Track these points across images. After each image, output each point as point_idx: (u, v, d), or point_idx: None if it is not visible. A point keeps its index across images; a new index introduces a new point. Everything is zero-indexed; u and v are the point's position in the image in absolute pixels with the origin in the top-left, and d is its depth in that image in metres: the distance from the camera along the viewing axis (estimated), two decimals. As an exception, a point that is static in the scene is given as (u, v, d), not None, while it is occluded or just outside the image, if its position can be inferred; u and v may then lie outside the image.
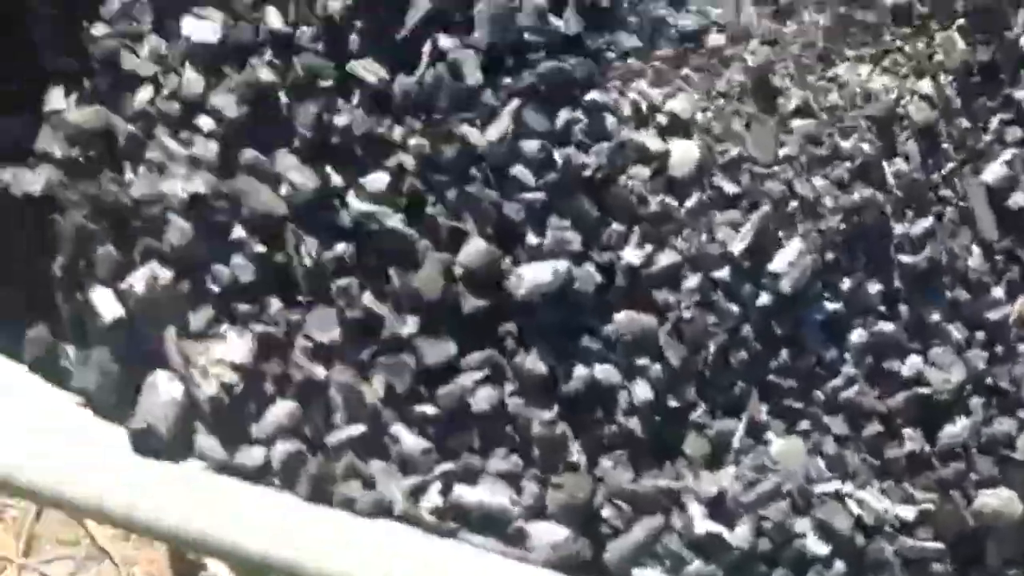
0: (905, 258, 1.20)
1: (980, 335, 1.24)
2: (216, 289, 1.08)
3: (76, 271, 1.09)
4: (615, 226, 1.14)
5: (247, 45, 1.12)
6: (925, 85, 1.22)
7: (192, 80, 1.11)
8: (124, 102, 1.13)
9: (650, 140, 1.15)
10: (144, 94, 1.13)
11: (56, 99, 1.14)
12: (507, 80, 1.13)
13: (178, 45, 1.13)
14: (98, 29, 1.14)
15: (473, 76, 1.11)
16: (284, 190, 1.09)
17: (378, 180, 1.10)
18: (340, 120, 1.11)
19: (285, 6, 1.13)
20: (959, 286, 1.22)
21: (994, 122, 1.25)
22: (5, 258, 1.12)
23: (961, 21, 1.25)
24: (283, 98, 1.11)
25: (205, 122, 1.11)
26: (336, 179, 1.11)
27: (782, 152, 1.18)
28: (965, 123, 1.24)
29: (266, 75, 1.10)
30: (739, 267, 1.15)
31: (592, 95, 1.14)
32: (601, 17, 1.17)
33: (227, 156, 1.10)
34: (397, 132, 1.11)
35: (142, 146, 1.11)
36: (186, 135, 1.11)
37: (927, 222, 1.21)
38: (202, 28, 1.12)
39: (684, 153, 1.15)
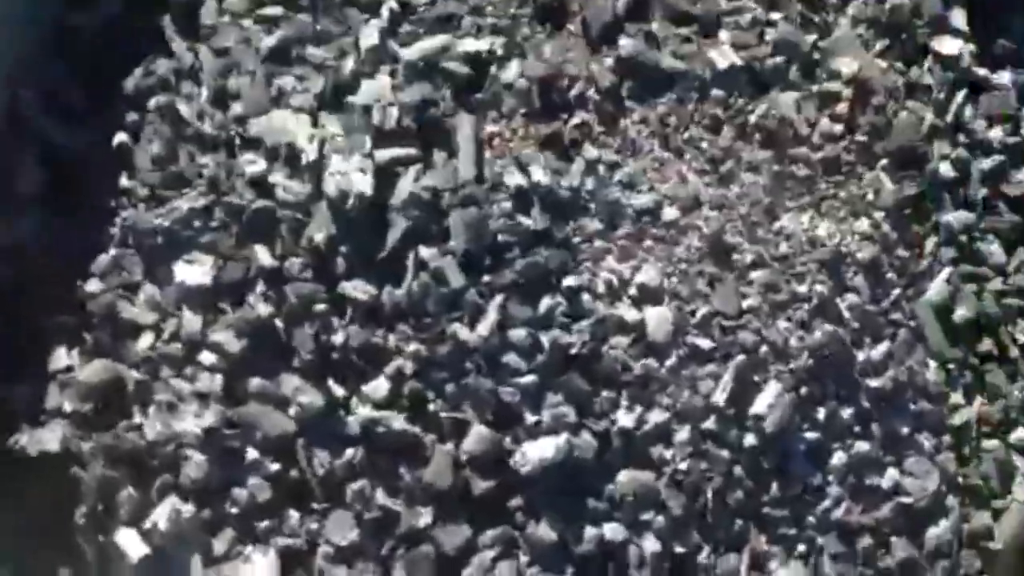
0: (871, 381, 1.32)
1: (947, 439, 1.36)
2: (235, 511, 1.18)
3: (99, 516, 1.19)
4: (605, 394, 1.25)
5: (239, 282, 1.24)
6: (863, 224, 1.36)
7: (190, 321, 1.22)
8: (127, 350, 1.24)
9: (626, 312, 1.27)
10: (145, 340, 1.24)
11: (60, 358, 1.24)
12: (488, 278, 1.25)
13: (172, 291, 1.24)
14: (92, 285, 1.26)
15: (456, 280, 1.24)
16: (292, 411, 1.20)
17: (379, 387, 1.21)
18: (337, 338, 1.22)
19: (272, 242, 1.25)
20: (922, 399, 1.34)
21: (929, 245, 1.39)
22: (28, 512, 1.21)
23: (884, 162, 1.39)
24: (280, 324, 1.23)
25: (208, 358, 1.22)
26: (339, 391, 1.22)
27: (746, 304, 1.31)
28: (903, 252, 1.37)
29: (262, 308, 1.22)
30: (724, 415, 1.26)
31: (568, 280, 1.27)
32: (564, 208, 1.31)
33: (233, 387, 1.21)
34: (392, 340, 1.23)
35: (150, 390, 1.22)
36: (191, 371, 1.22)
37: (884, 346, 1.33)
38: (194, 272, 1.24)
39: (658, 319, 1.28)
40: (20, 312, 1.27)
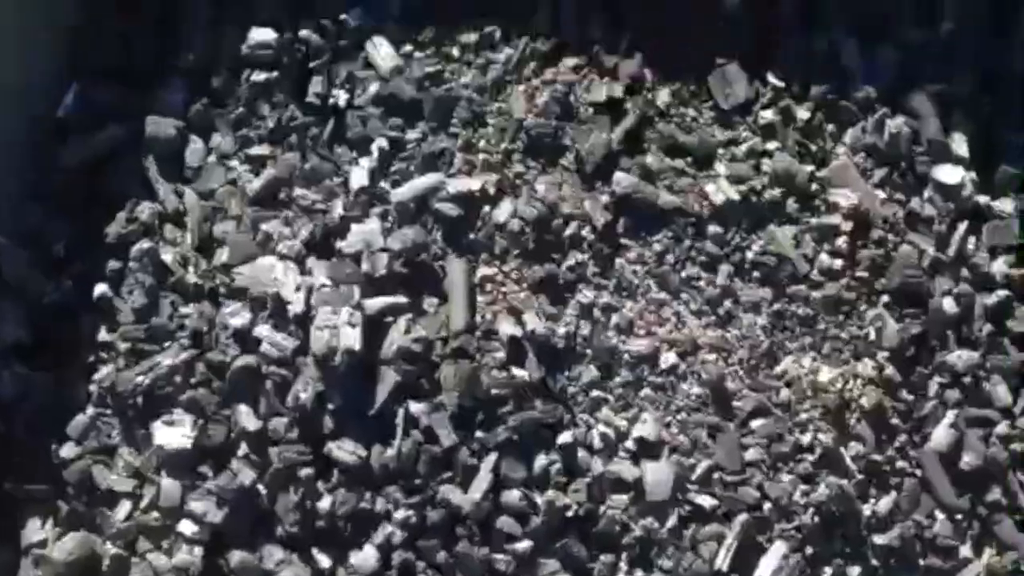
0: (877, 538, 1.28)
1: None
2: None
3: None
4: (603, 558, 1.21)
5: (221, 446, 1.20)
6: (866, 367, 1.32)
7: (169, 488, 1.18)
8: (104, 520, 1.19)
9: (624, 468, 1.23)
10: (123, 510, 1.19)
11: (34, 530, 1.20)
12: (480, 434, 1.22)
13: (151, 454, 1.20)
14: (67, 450, 1.21)
15: (448, 438, 1.20)
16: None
17: (367, 558, 1.17)
18: (323, 504, 1.18)
19: (255, 401, 1.21)
20: (931, 553, 1.29)
21: (933, 387, 1.35)
22: None
23: (886, 299, 1.36)
24: (263, 490, 1.19)
25: (188, 527, 1.17)
26: (325, 562, 1.17)
27: (747, 456, 1.27)
28: (907, 395, 1.34)
29: (245, 474, 1.18)
30: (726, 581, 1.22)
31: (563, 436, 1.23)
32: (559, 357, 1.27)
33: (213, 562, 1.17)
34: (380, 504, 1.19)
35: (127, 565, 1.17)
36: (169, 544, 1.18)
37: (890, 498, 1.29)
38: (174, 435, 1.19)
39: (657, 475, 1.23)
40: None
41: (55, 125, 1.40)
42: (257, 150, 1.38)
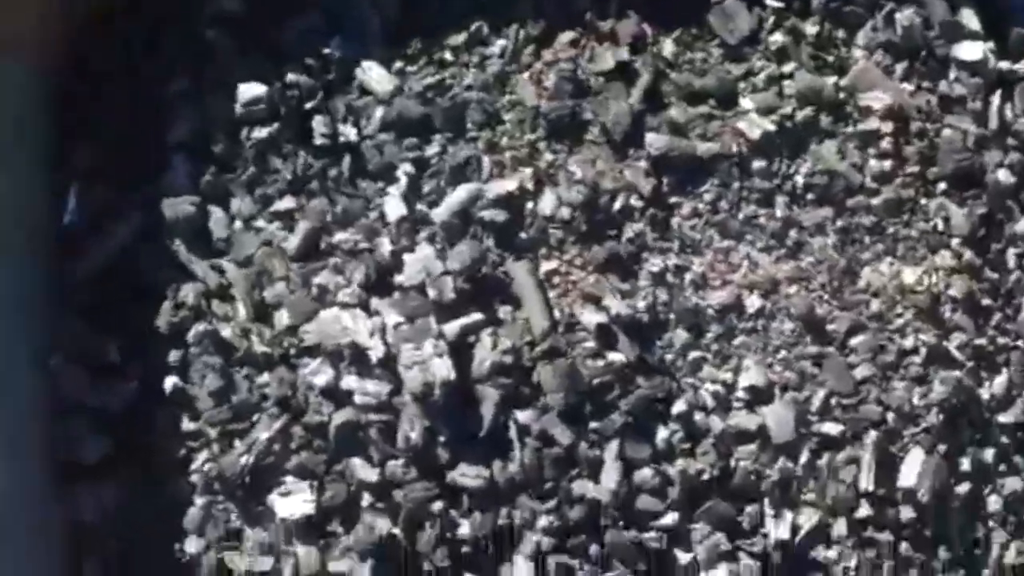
0: (1002, 417, 1.29)
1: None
2: None
3: None
4: (749, 510, 1.21)
5: (344, 503, 1.18)
6: (945, 258, 1.33)
7: (307, 557, 1.17)
8: None
9: (743, 419, 1.24)
10: None
11: None
12: (595, 425, 1.20)
13: (277, 528, 1.19)
14: (192, 544, 1.20)
15: (565, 437, 1.19)
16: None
17: (521, 570, 1.17)
18: (462, 531, 1.18)
19: (366, 452, 1.19)
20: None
21: (1011, 259, 1.36)
22: None
23: (943, 186, 1.36)
24: (399, 533, 1.17)
25: None
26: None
27: (858, 375, 1.27)
28: (990, 273, 1.35)
29: (379, 523, 1.16)
30: (875, 499, 1.22)
31: (676, 405, 1.23)
32: (647, 331, 1.27)
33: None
34: (518, 517, 1.18)
35: None
36: None
37: (1003, 377, 1.31)
38: (294, 504, 1.19)
39: (778, 417, 1.24)
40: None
41: (61, 234, 1.36)
42: (281, 204, 1.36)
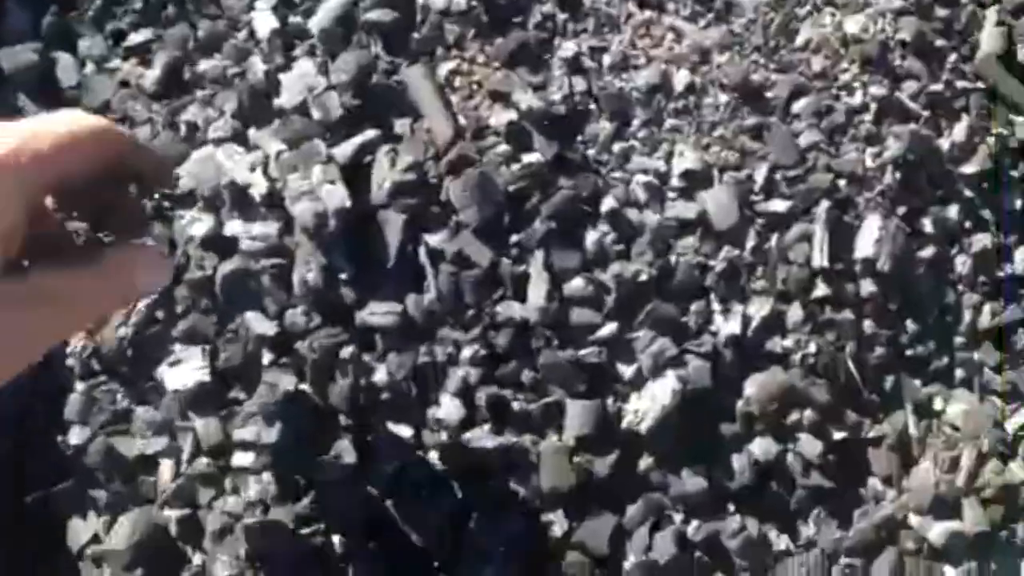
0: (965, 168, 1.18)
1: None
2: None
3: None
4: (694, 308, 1.11)
5: (242, 364, 1.06)
6: (889, -1, 1.18)
7: (207, 429, 1.05)
8: (150, 490, 1.07)
9: (680, 209, 1.12)
10: (167, 470, 1.07)
11: (79, 533, 1.07)
12: (516, 238, 1.08)
13: (170, 402, 1.07)
14: (76, 435, 1.08)
15: (483, 255, 1.07)
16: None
17: (450, 409, 1.06)
18: (379, 376, 1.06)
19: (260, 303, 1.08)
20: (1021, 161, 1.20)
21: (966, -10, 1.21)
22: None
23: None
24: (308, 389, 1.06)
25: (244, 459, 1.04)
26: (406, 431, 1.06)
27: (802, 143, 1.15)
28: (941, 10, 1.20)
29: (283, 380, 1.05)
30: (831, 275, 1.12)
31: (605, 202, 1.10)
32: (565, 125, 1.13)
33: (286, 479, 1.05)
34: (439, 353, 1.06)
35: (198, 523, 1.05)
36: (231, 481, 1.06)
37: (963, 124, 1.18)
38: (185, 374, 1.06)
39: (718, 202, 1.12)
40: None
41: None
42: (135, 38, 1.19)
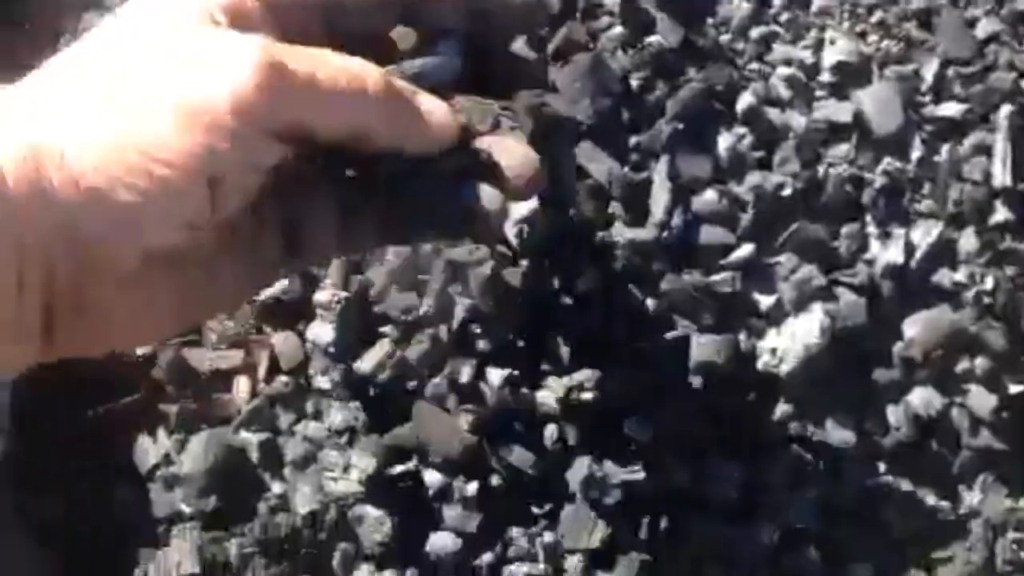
0: None
1: None
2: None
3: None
4: (847, 230, 0.93)
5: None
6: None
7: (287, 344, 0.90)
8: (223, 408, 0.92)
9: (832, 109, 0.93)
10: (243, 386, 0.91)
11: (147, 454, 0.91)
12: (637, 140, 0.90)
13: (246, 316, 0.92)
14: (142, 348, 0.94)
15: (599, 166, 0.89)
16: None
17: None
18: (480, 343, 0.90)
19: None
20: None
21: None
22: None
23: None
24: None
25: (324, 381, 0.89)
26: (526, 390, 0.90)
27: (979, 33, 0.95)
28: None
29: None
30: (1013, 195, 0.93)
31: (742, 100, 0.92)
32: (693, 4, 0.94)
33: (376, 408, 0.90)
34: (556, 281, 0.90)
35: (277, 448, 0.91)
36: (313, 404, 0.91)
37: None
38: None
39: (878, 101, 0.93)
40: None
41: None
42: None
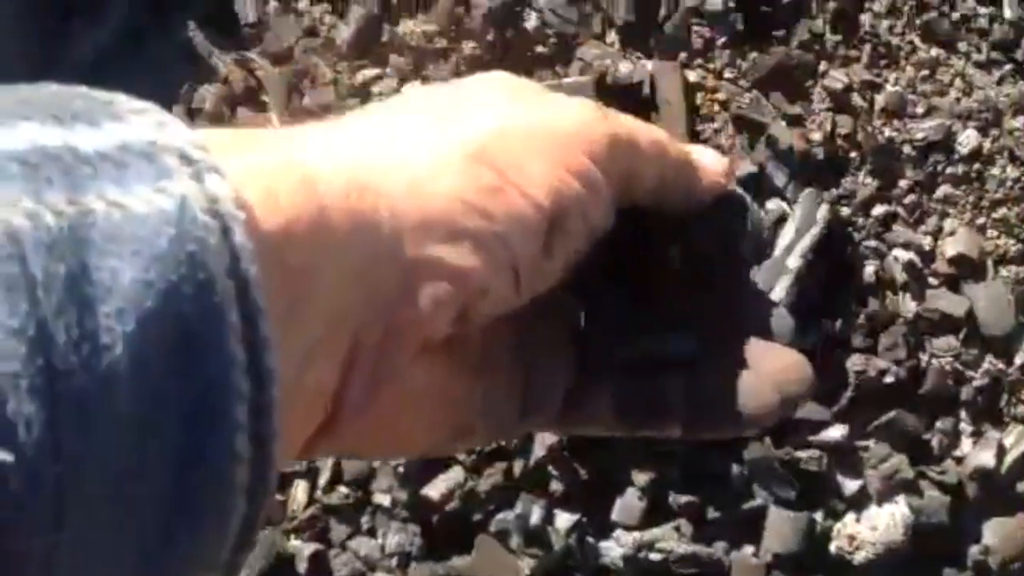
0: None
1: None
2: None
3: None
4: (941, 425, 0.92)
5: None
6: None
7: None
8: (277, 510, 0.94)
9: (943, 300, 0.93)
10: (301, 493, 0.93)
11: None
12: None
13: None
14: None
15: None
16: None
17: (632, 508, 0.89)
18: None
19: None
20: None
21: None
22: None
23: None
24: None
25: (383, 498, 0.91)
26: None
27: (1103, 235, 0.94)
28: None
29: None
30: (1116, 418, 0.92)
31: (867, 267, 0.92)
32: (820, 170, 0.94)
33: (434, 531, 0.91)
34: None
35: (326, 561, 0.92)
36: (368, 521, 0.91)
37: None
38: None
39: (990, 298, 0.93)
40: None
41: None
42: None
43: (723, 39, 0.98)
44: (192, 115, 1.02)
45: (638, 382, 0.45)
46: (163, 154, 0.32)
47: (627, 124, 0.44)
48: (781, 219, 0.90)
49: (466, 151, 0.39)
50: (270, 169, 0.36)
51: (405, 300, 0.38)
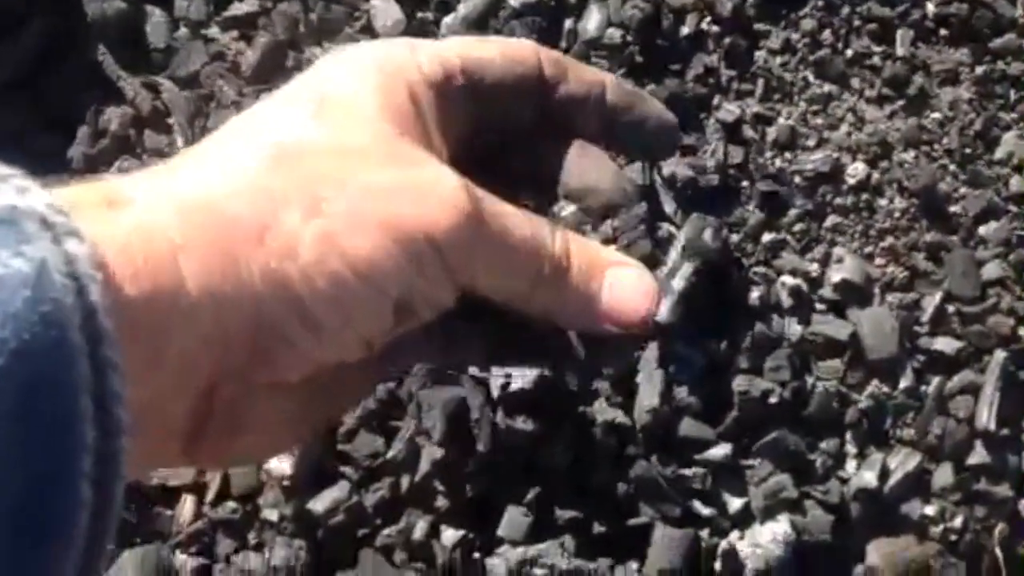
0: None
1: None
2: None
3: None
4: (824, 446, 0.98)
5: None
6: None
7: None
8: (164, 525, 0.97)
9: (829, 325, 0.98)
10: (187, 508, 0.96)
11: None
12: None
13: None
14: None
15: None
16: None
17: (518, 523, 0.93)
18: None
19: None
20: None
21: None
22: None
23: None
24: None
25: (272, 513, 0.94)
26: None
27: (986, 274, 1.01)
28: None
29: None
30: (995, 441, 0.98)
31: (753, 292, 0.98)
32: (712, 201, 1.01)
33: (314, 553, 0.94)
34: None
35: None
36: (255, 535, 0.94)
37: None
38: None
39: (875, 324, 0.99)
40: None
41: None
42: (241, 7, 1.09)
43: (621, 71, 1.05)
44: (98, 137, 1.07)
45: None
46: (24, 219, 0.36)
47: (496, 232, 0.47)
48: (668, 240, 0.96)
49: (315, 232, 0.44)
50: (129, 230, 0.40)
51: (258, 361, 0.44)
